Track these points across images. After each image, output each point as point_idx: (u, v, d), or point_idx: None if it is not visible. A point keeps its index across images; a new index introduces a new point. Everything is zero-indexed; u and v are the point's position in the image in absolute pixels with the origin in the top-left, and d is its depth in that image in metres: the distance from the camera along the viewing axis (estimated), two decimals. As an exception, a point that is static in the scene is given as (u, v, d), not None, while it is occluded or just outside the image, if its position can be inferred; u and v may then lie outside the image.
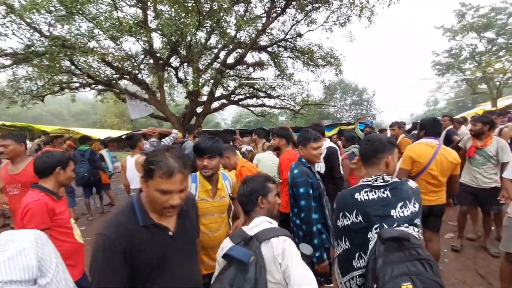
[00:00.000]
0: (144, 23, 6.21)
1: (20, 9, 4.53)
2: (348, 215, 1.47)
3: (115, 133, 14.57)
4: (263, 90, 10.09)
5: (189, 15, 6.07)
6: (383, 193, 1.44)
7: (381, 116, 31.39)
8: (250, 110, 10.77)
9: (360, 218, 1.43)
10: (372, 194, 1.45)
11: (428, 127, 2.88)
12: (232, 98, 9.76)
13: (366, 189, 1.48)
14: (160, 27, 5.22)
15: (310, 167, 2.25)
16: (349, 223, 1.47)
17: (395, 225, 1.37)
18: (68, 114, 34.32)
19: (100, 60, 6.46)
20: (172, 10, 6.82)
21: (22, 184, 2.50)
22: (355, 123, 8.24)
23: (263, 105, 10.18)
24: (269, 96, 9.90)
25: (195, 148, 1.93)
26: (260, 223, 1.33)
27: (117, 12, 5.88)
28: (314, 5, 7.79)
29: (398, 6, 7.11)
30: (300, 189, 2.12)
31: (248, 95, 10.06)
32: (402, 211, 1.41)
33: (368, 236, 1.40)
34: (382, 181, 1.47)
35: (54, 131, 14.25)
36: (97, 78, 7.06)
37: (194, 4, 5.31)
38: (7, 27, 5.37)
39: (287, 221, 2.53)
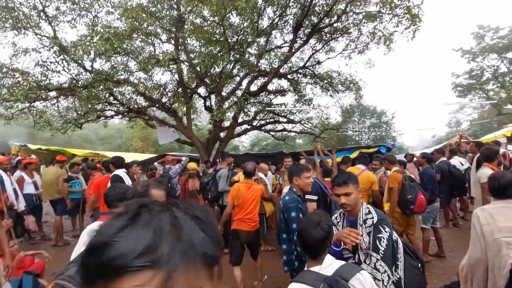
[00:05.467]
0: (177, 58, 6.77)
1: (73, 51, 5.14)
2: None
3: (140, 157, 15.18)
4: (284, 115, 10.37)
5: (218, 48, 6.58)
6: None
7: (401, 139, 30.68)
8: (270, 134, 11.02)
9: None
10: None
11: (360, 158, 4.73)
12: (254, 124, 10.07)
13: None
14: (193, 61, 5.69)
15: (300, 196, 2.46)
16: None
17: None
18: (96, 138, 36.23)
19: (134, 91, 7.04)
20: (200, 44, 7.44)
21: None
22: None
23: (284, 130, 10.41)
24: (291, 122, 10.13)
25: None
26: (332, 262, 1.37)
27: (154, 48, 6.46)
28: (333, 35, 8.18)
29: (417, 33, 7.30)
30: (291, 213, 2.33)
31: (269, 120, 10.36)
32: None
33: None
34: None
35: (84, 155, 15.04)
36: (130, 106, 7.64)
37: (224, 39, 5.77)
38: (59, 64, 6.04)
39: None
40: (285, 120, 10.19)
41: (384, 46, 7.77)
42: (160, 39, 7.40)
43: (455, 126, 36.65)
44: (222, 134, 9.30)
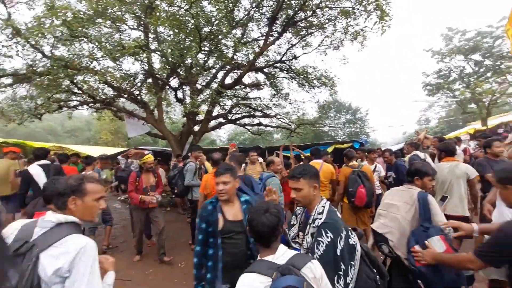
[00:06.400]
0: (145, 46, 6.42)
1: (27, 33, 4.68)
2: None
3: (109, 150, 14.49)
4: (260, 109, 10.28)
5: (190, 38, 6.30)
6: None
7: (374, 135, 31.90)
8: (246, 128, 10.91)
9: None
10: None
11: (315, 153, 4.65)
12: (229, 117, 9.90)
13: None
14: (163, 51, 5.40)
15: (212, 202, 2.14)
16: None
17: None
18: (62, 130, 34.08)
19: (100, 80, 6.59)
20: (172, 33, 7.10)
21: None
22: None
23: (259, 124, 10.32)
24: (266, 116, 10.07)
25: None
26: (285, 251, 1.35)
27: (120, 34, 6.06)
28: (308, 30, 8.17)
29: (389, 30, 7.48)
30: (197, 219, 2.20)
31: (245, 114, 10.22)
32: None
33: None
34: None
35: (48, 148, 14.06)
36: (96, 97, 7.17)
37: (195, 29, 5.54)
38: (12, 48, 5.50)
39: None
40: (260, 114, 10.11)
41: (357, 42, 7.90)
42: (127, 25, 6.96)
43: (424, 123, 38.69)
44: (196, 128, 9.05)
